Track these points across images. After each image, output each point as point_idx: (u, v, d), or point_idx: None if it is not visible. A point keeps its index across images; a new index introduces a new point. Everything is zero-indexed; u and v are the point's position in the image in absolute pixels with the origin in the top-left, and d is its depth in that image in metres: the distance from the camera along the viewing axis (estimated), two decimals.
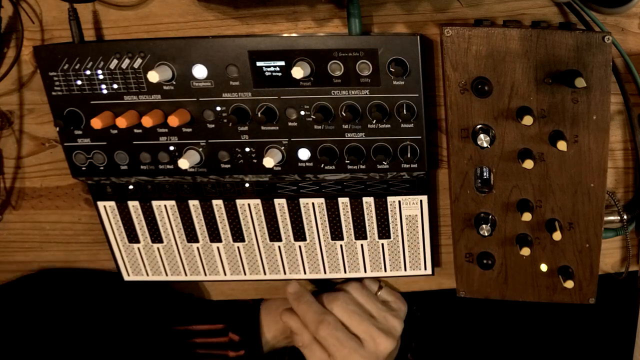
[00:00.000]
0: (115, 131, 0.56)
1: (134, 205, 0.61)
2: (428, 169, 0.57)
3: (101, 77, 0.54)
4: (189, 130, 0.56)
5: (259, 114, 0.54)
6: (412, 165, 0.56)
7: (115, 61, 0.53)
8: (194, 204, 0.61)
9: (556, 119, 0.52)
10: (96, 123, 0.53)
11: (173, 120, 0.53)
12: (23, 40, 0.56)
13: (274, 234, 0.62)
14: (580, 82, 0.49)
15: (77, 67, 0.54)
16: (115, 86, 0.54)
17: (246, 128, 0.55)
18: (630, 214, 0.61)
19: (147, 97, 0.55)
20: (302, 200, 0.60)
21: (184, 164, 0.55)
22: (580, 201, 0.56)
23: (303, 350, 0.64)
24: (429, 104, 0.57)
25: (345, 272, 0.64)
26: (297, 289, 0.64)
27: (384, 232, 0.61)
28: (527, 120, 0.51)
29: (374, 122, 0.54)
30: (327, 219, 0.61)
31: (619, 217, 0.61)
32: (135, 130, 0.56)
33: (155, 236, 0.63)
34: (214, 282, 0.66)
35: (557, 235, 0.56)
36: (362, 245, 0.62)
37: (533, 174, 0.55)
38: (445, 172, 0.60)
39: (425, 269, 0.64)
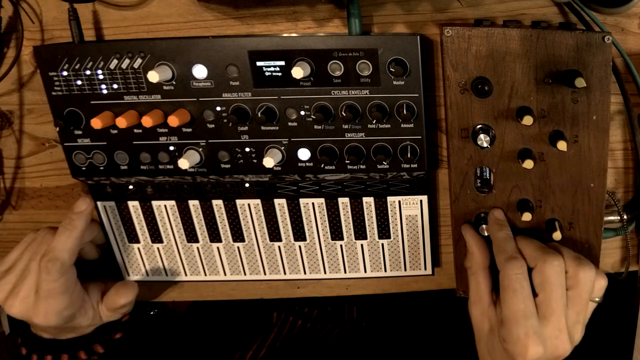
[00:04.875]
0: (115, 131, 0.56)
1: (133, 205, 0.61)
2: (428, 169, 0.57)
3: (101, 77, 0.54)
4: (189, 130, 0.56)
5: (259, 114, 0.54)
6: (412, 165, 0.56)
7: (115, 61, 0.53)
8: (194, 204, 0.61)
9: (556, 119, 0.52)
10: (96, 123, 0.53)
11: (173, 120, 0.53)
12: (23, 40, 0.56)
13: (274, 234, 0.62)
14: (580, 82, 0.49)
15: (77, 67, 0.54)
16: (115, 86, 0.54)
17: (246, 128, 0.55)
18: (630, 214, 0.61)
19: (147, 97, 0.55)
20: (302, 200, 0.60)
21: (184, 164, 0.55)
22: (580, 201, 0.56)
23: (470, 275, 0.57)
24: (429, 104, 0.57)
25: (345, 272, 0.64)
26: (504, 217, 0.57)
27: (384, 232, 0.61)
28: (527, 120, 0.51)
29: (374, 122, 0.54)
30: (327, 219, 0.61)
31: (619, 217, 0.61)
32: (135, 130, 0.56)
33: (155, 236, 0.63)
34: (214, 282, 0.66)
35: (557, 235, 0.56)
36: (362, 245, 0.62)
37: (533, 174, 0.55)
38: (445, 172, 0.60)
39: (425, 269, 0.64)
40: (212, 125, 0.55)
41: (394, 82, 0.53)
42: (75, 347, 0.60)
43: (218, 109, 0.55)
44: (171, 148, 0.57)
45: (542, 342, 0.50)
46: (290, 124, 0.55)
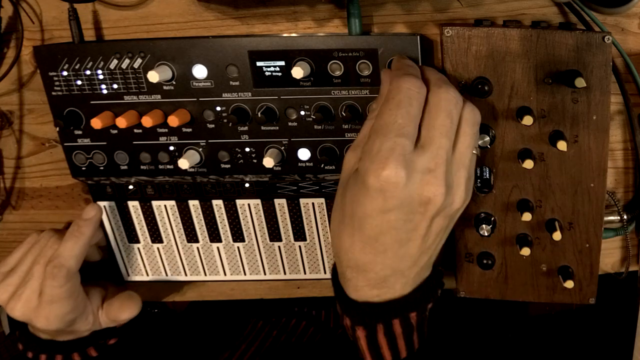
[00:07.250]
0: (115, 131, 0.56)
1: (133, 205, 0.61)
2: None
3: (101, 77, 0.54)
4: (189, 130, 0.56)
5: (259, 114, 0.54)
6: None
7: (115, 61, 0.53)
8: (194, 204, 0.61)
9: (556, 119, 0.52)
10: (96, 123, 0.53)
11: (173, 120, 0.53)
12: (23, 40, 0.56)
13: (274, 234, 0.62)
14: (580, 82, 0.49)
15: (77, 67, 0.54)
16: (115, 86, 0.54)
17: (246, 128, 0.55)
18: (630, 214, 0.61)
19: (147, 97, 0.55)
20: (302, 200, 0.60)
21: (184, 164, 0.55)
22: (580, 201, 0.56)
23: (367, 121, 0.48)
24: None
25: None
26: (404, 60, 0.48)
27: None
28: (527, 120, 0.51)
29: None
30: (327, 219, 0.61)
31: (619, 217, 0.61)
32: (135, 130, 0.56)
33: (155, 236, 0.63)
34: (214, 282, 0.66)
35: (557, 235, 0.56)
36: None
37: (533, 174, 0.55)
38: None
39: None
40: (212, 125, 0.55)
41: None
42: (70, 349, 0.60)
43: (218, 109, 0.55)
44: (171, 148, 0.57)
45: (407, 168, 0.40)
46: (290, 124, 0.55)
